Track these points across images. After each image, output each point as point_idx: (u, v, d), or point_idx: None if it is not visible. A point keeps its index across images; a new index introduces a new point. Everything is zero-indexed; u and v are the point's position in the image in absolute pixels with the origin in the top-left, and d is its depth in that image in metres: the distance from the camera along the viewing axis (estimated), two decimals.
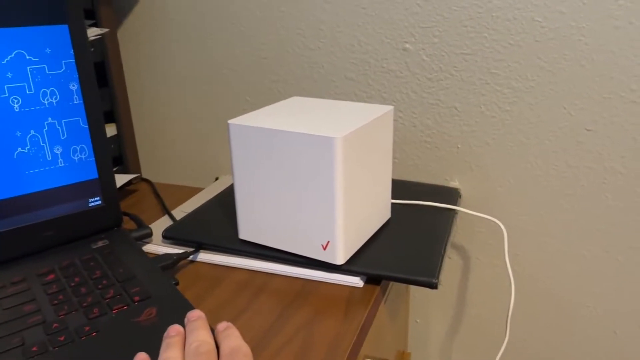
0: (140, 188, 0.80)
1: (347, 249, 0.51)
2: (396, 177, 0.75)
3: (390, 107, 0.55)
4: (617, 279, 0.68)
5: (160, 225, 0.65)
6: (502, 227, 0.63)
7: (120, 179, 0.76)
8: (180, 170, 0.90)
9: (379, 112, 0.53)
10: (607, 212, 0.66)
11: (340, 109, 0.55)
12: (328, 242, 0.50)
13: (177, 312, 0.43)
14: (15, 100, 0.49)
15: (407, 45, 0.68)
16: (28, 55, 0.49)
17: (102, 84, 0.78)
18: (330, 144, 0.46)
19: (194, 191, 0.77)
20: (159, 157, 0.90)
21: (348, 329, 0.46)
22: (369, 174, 0.52)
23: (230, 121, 0.51)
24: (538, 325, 0.75)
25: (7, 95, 0.48)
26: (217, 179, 0.83)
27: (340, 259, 0.50)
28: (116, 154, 0.83)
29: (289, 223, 0.51)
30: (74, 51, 0.51)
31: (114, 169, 0.82)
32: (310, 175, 0.48)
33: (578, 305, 0.72)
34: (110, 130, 0.81)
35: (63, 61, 0.51)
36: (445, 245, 0.55)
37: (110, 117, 0.81)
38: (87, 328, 0.42)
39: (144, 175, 0.93)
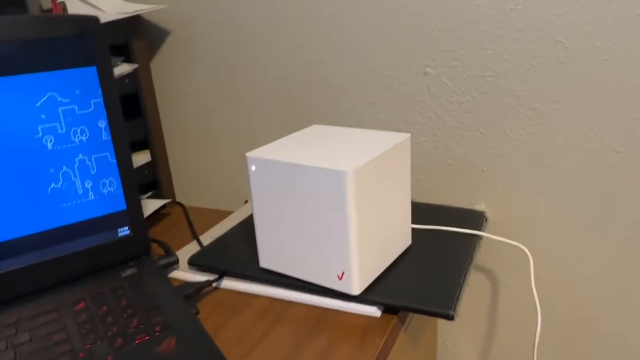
0: (174, 212, 0.83)
1: (363, 279, 0.51)
2: (422, 200, 0.75)
3: (407, 135, 0.55)
4: None
5: (189, 250, 0.67)
6: (528, 253, 0.61)
7: (154, 204, 0.79)
8: (211, 193, 0.93)
9: (394, 140, 0.54)
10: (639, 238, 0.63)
11: (357, 138, 0.56)
12: (343, 272, 0.50)
13: (195, 343, 0.45)
14: (49, 140, 0.52)
15: (428, 69, 0.68)
16: (59, 97, 0.52)
17: (136, 113, 0.82)
18: (341, 178, 0.46)
19: (223, 214, 0.80)
20: (191, 182, 0.93)
21: (365, 357, 0.46)
22: (385, 203, 0.53)
23: (248, 154, 0.53)
24: (569, 354, 0.72)
25: (40, 135, 0.52)
26: (246, 201, 0.85)
27: (355, 290, 0.51)
28: (151, 179, 0.86)
29: (306, 253, 0.52)
30: (102, 91, 0.54)
31: (149, 194, 0.85)
32: (324, 207, 0.49)
33: (611, 333, 0.69)
34: (145, 157, 0.85)
35: (92, 101, 0.54)
36: (466, 274, 0.54)
37: (144, 145, 0.85)
38: (109, 358, 0.44)
39: (178, 199, 0.96)
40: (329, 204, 0.48)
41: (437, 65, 0.67)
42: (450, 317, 0.49)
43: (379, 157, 0.50)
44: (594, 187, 0.64)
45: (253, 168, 0.53)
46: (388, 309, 0.52)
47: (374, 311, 0.51)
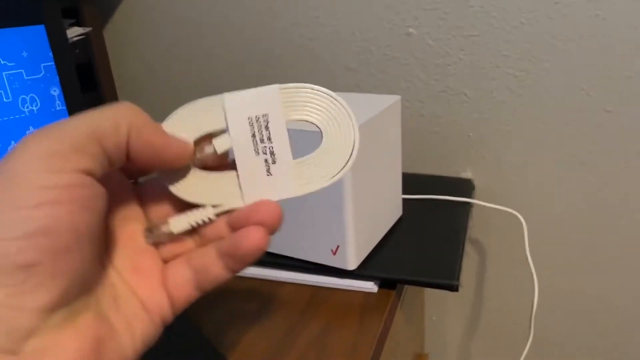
0: None
1: (359, 252, 0.47)
2: (405, 170, 0.71)
3: (397, 97, 0.51)
4: None
5: None
6: (522, 219, 0.59)
7: None
8: None
9: (385, 103, 0.49)
10: (632, 199, 0.62)
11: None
12: (338, 246, 0.46)
13: (178, 331, 0.40)
14: None
15: (411, 30, 0.64)
16: (3, 60, 0.45)
17: (89, 87, 0.74)
18: None
19: None
20: None
21: (364, 339, 0.42)
22: (378, 171, 0.48)
23: None
24: (565, 323, 0.71)
25: None
26: None
27: (351, 264, 0.47)
28: None
29: (296, 228, 0.48)
30: (53, 53, 0.47)
31: None
32: None
33: (607, 300, 0.68)
34: None
35: (42, 64, 0.47)
36: (464, 242, 0.51)
37: None
38: None
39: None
40: None
41: (420, 25, 0.63)
42: (454, 289, 0.45)
43: (371, 120, 0.46)
44: (584, 148, 0.62)
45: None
46: (384, 284, 0.48)
47: (371, 286, 0.47)
